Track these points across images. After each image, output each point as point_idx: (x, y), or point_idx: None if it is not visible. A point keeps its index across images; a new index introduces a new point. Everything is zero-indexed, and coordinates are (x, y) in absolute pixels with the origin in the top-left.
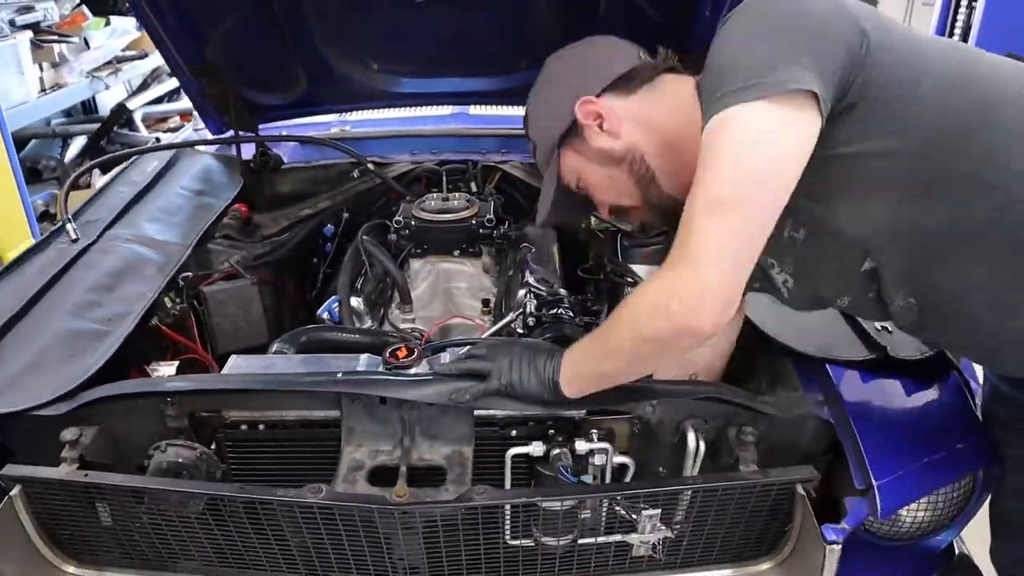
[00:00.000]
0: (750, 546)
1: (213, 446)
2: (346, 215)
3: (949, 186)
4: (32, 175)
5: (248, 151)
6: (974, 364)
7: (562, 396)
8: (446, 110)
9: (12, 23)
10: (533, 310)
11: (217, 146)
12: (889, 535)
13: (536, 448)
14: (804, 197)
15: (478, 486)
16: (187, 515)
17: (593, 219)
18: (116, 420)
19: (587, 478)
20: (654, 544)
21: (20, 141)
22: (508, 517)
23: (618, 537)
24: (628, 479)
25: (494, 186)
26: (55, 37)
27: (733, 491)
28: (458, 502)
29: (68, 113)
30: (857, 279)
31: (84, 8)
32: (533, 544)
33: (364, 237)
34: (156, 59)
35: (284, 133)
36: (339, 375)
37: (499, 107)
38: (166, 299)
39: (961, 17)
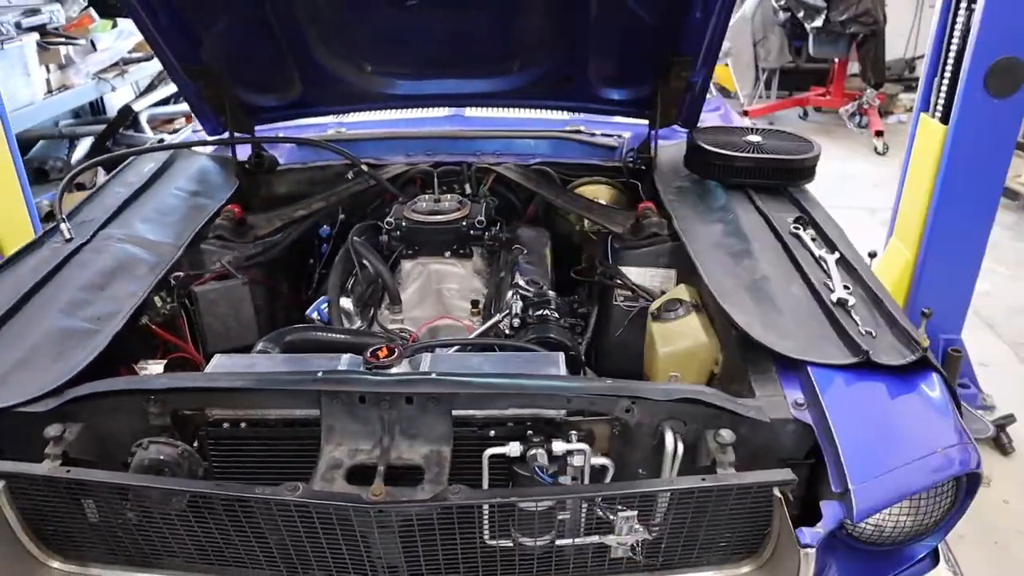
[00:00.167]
0: (731, 549)
1: (196, 444)
2: (342, 216)
3: None
4: (39, 175)
5: (244, 152)
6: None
7: None
8: (442, 112)
9: (18, 25)
10: (519, 311)
11: (214, 147)
12: (871, 540)
13: (513, 448)
14: None
15: (453, 486)
16: (169, 512)
17: (586, 222)
18: (101, 417)
19: (566, 479)
20: (633, 546)
21: (28, 142)
22: (486, 517)
23: (595, 538)
24: (608, 481)
25: (488, 188)
26: (62, 39)
27: (710, 493)
28: (433, 501)
29: (76, 114)
30: None
31: (91, 10)
32: (512, 545)
33: (355, 238)
34: None
35: (281, 135)
36: (319, 374)
37: (494, 109)
38: (156, 298)
39: (961, 18)
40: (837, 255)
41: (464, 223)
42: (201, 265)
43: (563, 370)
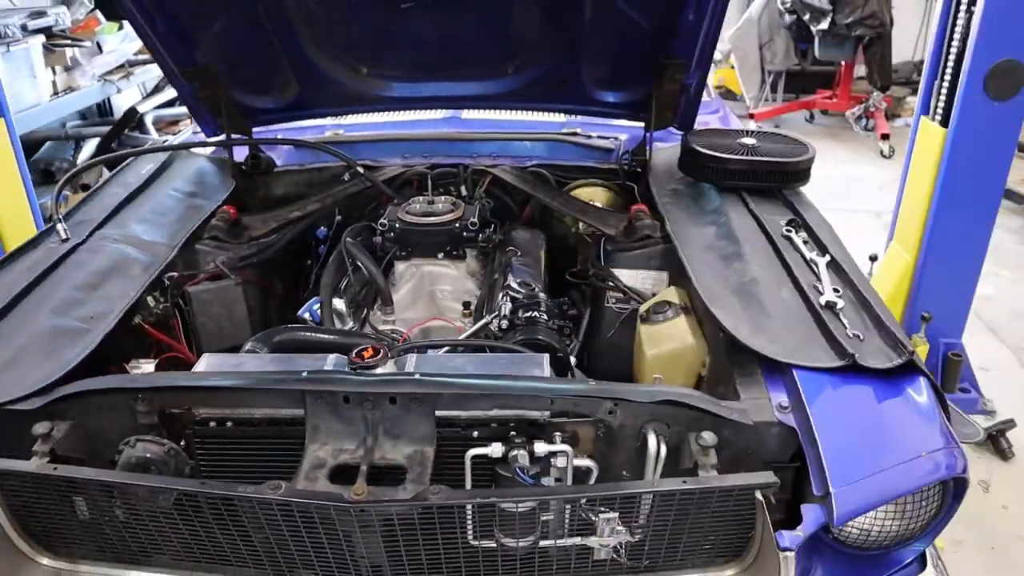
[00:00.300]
0: (716, 552)
1: (183, 443)
2: (339, 217)
3: None
4: (46, 176)
5: (241, 154)
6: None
7: None
8: (439, 114)
9: (24, 28)
10: (507, 313)
11: (213, 149)
12: (858, 544)
13: (495, 449)
14: None
15: (434, 486)
16: (156, 510)
17: (581, 224)
18: (89, 416)
19: (549, 480)
20: (616, 547)
21: (35, 143)
22: (469, 518)
23: (578, 540)
24: (592, 482)
25: (484, 190)
26: (68, 41)
27: (691, 495)
28: (413, 501)
29: (83, 116)
30: None
31: (98, 13)
32: (494, 545)
33: (347, 239)
34: None
35: (280, 136)
36: (304, 374)
37: (491, 111)
38: (149, 298)
39: (960, 21)
40: (828, 258)
41: (457, 225)
42: (196, 265)
43: (547, 371)
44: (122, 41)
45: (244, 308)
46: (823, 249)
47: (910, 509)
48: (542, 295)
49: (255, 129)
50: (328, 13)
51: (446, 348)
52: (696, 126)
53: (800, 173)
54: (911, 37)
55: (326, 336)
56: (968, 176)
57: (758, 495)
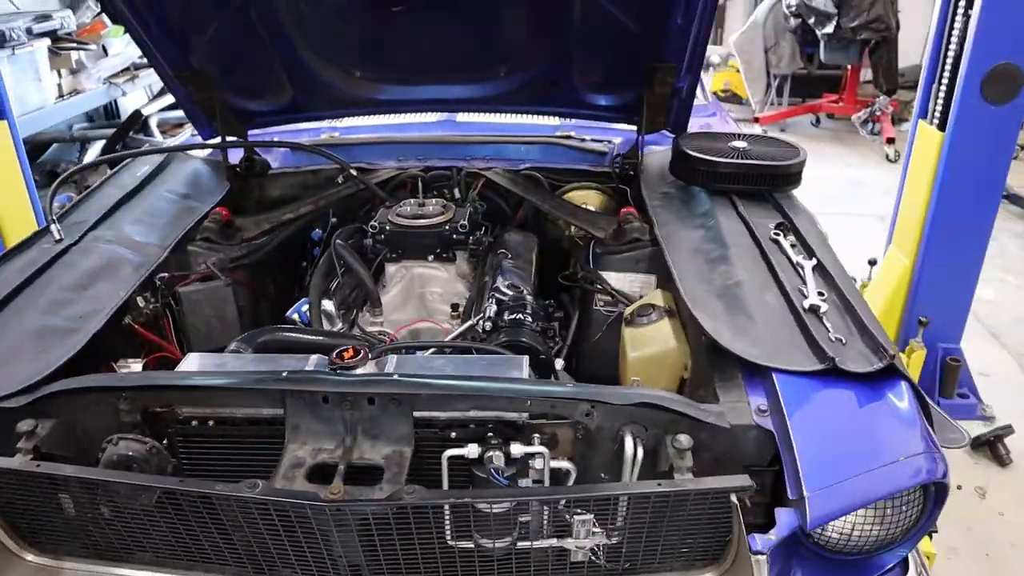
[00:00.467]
0: (695, 555)
1: (166, 441)
2: (334, 219)
3: None
4: (52, 178)
5: (237, 157)
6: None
7: None
8: (434, 117)
9: (29, 31)
10: (492, 315)
11: (209, 152)
12: (838, 549)
13: (471, 450)
14: None
15: (409, 486)
16: (138, 508)
17: (573, 227)
18: (74, 414)
19: (527, 482)
20: (594, 550)
21: (42, 145)
22: (447, 518)
23: (554, 541)
24: (570, 484)
25: (478, 192)
26: (73, 44)
27: (666, 498)
28: (388, 501)
29: (90, 118)
30: None
31: (104, 16)
32: (472, 546)
33: (337, 241)
34: None
35: (276, 139)
36: (284, 374)
37: (485, 114)
38: (139, 299)
39: (958, 25)
40: (814, 261)
41: (447, 227)
42: (187, 266)
43: (526, 373)
44: (128, 44)
45: (234, 309)
46: (810, 252)
47: (890, 513)
48: (529, 297)
49: (251, 132)
50: (319, 17)
51: (432, 349)
52: (696, 129)
53: (790, 176)
54: (918, 41)
55: (308, 337)
56: (966, 180)
57: (733, 498)
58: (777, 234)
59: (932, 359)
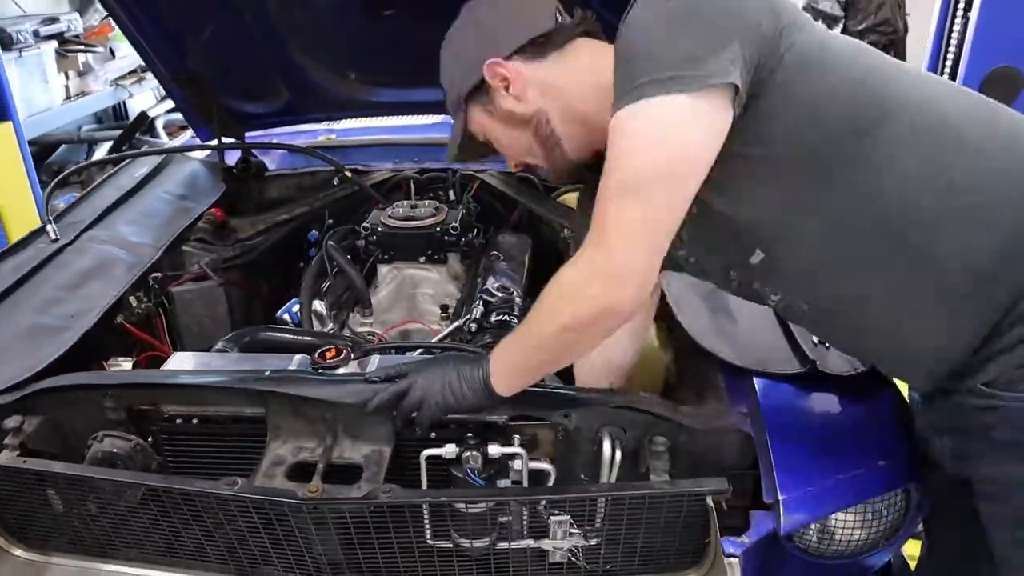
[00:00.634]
0: (676, 557)
1: (151, 439)
2: (330, 221)
3: (833, 187)
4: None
5: (234, 158)
6: None
7: (496, 397)
8: (430, 119)
9: (36, 34)
10: (479, 316)
11: (207, 153)
12: (821, 552)
13: (449, 450)
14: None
15: (385, 485)
16: (123, 505)
17: (567, 230)
18: (61, 411)
19: (506, 482)
20: (572, 551)
21: (50, 146)
22: (426, 518)
23: (531, 542)
24: (550, 485)
25: (473, 194)
26: (80, 47)
27: (642, 500)
28: (364, 500)
29: (99, 119)
30: (744, 267)
31: (111, 19)
32: (450, 546)
33: (329, 242)
34: None
35: (275, 141)
36: (266, 373)
37: None
38: (132, 298)
39: (956, 27)
40: None
41: (438, 229)
42: (181, 266)
43: None
44: None
45: (226, 309)
46: None
47: (872, 517)
48: (518, 299)
49: (248, 134)
50: (313, 20)
51: (419, 351)
52: None
53: None
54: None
55: (293, 336)
56: None
57: (709, 501)
58: None
59: None
